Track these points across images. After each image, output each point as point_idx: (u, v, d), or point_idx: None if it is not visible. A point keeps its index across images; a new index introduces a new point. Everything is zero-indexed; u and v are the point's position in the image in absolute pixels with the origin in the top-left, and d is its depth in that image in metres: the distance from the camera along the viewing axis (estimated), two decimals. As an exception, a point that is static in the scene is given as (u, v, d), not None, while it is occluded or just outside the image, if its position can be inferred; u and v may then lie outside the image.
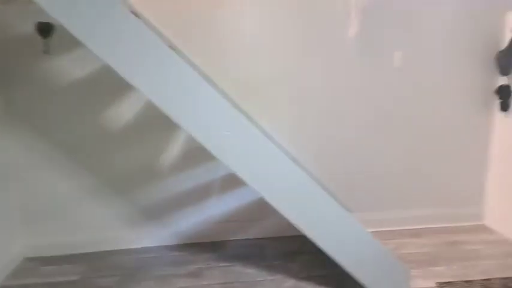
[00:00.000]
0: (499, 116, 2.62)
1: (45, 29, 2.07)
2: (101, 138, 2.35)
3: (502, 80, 2.54)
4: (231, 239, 2.60)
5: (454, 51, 2.53)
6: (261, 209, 2.15)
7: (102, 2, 1.51)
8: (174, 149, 2.42)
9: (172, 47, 2.11)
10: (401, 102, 2.57)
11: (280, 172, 1.74)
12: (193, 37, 2.29)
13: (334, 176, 2.61)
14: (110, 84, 2.16)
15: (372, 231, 2.69)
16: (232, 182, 2.28)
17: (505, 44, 2.48)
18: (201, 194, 2.50)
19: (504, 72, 2.48)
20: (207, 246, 2.54)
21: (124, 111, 2.32)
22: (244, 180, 1.69)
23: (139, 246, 2.52)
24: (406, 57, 2.49)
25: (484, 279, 2.11)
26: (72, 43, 1.58)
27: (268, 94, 2.44)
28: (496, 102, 2.60)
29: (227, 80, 2.34)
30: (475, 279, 2.12)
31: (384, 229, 2.74)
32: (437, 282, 2.10)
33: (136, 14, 1.88)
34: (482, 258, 2.36)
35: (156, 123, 2.25)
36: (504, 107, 2.54)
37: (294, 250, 2.45)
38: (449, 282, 2.10)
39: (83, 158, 2.37)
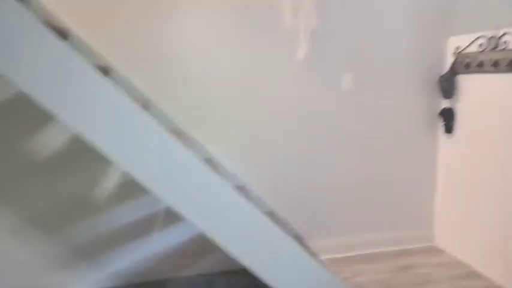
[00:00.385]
0: (443, 138, 2.68)
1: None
2: (22, 168, 2.06)
3: (445, 103, 2.61)
4: (177, 276, 2.38)
5: (400, 74, 2.56)
6: (209, 242, 1.96)
7: (18, 22, 1.30)
8: (111, 179, 2.18)
9: (107, 67, 1.92)
10: (350, 125, 2.54)
11: (221, 204, 1.58)
12: (129, 55, 2.11)
13: (285, 202, 2.50)
14: (33, 108, 1.90)
15: (327, 259, 2.64)
16: (176, 213, 2.07)
17: (447, 68, 2.56)
18: (142, 228, 2.26)
19: (446, 95, 2.55)
20: (150, 286, 2.29)
21: (50, 138, 2.06)
22: (183, 215, 1.52)
23: (72, 291, 2.22)
24: (354, 80, 2.47)
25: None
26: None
27: (215, 115, 2.30)
28: (440, 125, 2.66)
29: (173, 101, 2.18)
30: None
31: (339, 255, 2.67)
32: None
33: (64, 33, 1.68)
34: (436, 282, 2.34)
35: (89, 151, 2.00)
36: (448, 129, 2.60)
37: (245, 285, 2.27)
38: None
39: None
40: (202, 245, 2.30)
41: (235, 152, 2.37)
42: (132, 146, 1.44)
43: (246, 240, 1.64)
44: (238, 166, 2.36)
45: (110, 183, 2.16)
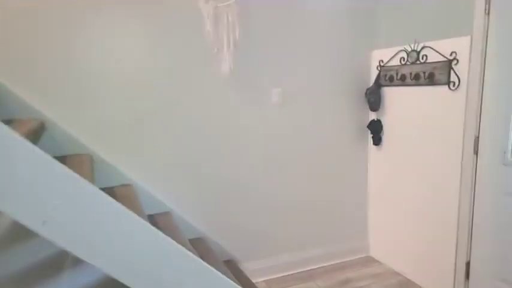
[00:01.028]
0: (372, 150, 2.71)
1: None
2: None
3: (373, 115, 2.65)
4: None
5: (330, 87, 2.54)
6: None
7: None
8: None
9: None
10: (281, 141, 2.45)
11: (130, 241, 1.35)
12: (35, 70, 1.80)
13: (218, 225, 2.33)
14: None
15: (266, 280, 2.51)
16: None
17: (372, 81, 2.60)
18: (48, 269, 1.92)
19: (373, 107, 2.59)
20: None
21: None
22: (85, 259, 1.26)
23: None
24: (284, 94, 2.40)
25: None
26: None
27: (137, 136, 2.06)
28: (369, 137, 2.69)
29: (85, 121, 1.90)
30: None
31: (277, 275, 2.55)
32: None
33: None
34: (373, 296, 2.32)
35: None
36: (376, 141, 2.63)
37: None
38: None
39: None
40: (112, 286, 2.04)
41: (160, 174, 2.14)
42: (15, 178, 1.16)
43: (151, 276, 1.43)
44: (163, 190, 2.14)
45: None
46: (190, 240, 2.19)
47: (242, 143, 2.34)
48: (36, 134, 1.71)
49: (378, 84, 2.56)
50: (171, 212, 2.14)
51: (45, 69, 1.81)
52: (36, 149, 1.16)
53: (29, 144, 1.14)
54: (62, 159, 1.78)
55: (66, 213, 1.21)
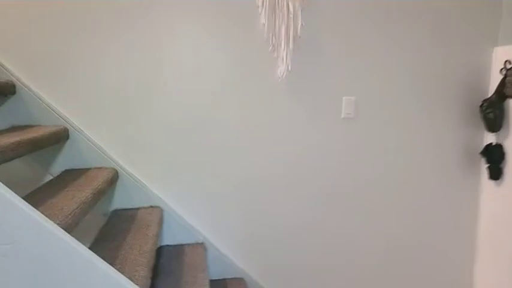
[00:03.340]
0: (488, 185, 1.95)
1: None
2: None
3: (490, 138, 1.90)
4: None
5: (424, 98, 1.89)
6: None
7: None
8: None
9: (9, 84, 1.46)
10: (354, 166, 1.89)
11: None
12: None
13: (263, 262, 1.89)
14: None
15: None
16: None
17: (492, 90, 1.87)
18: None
19: (492, 127, 1.84)
20: None
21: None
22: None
23: None
24: (358, 105, 1.84)
25: None
26: None
27: (170, 149, 1.75)
28: (484, 168, 1.94)
29: (112, 132, 1.67)
30: None
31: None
32: None
33: None
34: None
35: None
36: (494, 174, 1.87)
37: None
38: None
39: None
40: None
41: (195, 197, 1.79)
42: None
43: None
44: (197, 215, 1.79)
45: None
46: (226, 280, 1.80)
47: (300, 168, 1.85)
48: (59, 141, 1.52)
49: (501, 95, 1.81)
50: (204, 243, 1.78)
51: (74, 76, 1.63)
52: None
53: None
54: (82, 172, 1.57)
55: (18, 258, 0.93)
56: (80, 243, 0.93)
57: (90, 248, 1.28)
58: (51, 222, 0.90)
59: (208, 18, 1.68)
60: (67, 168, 1.63)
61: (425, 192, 1.96)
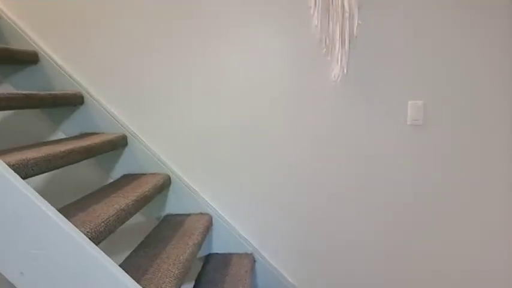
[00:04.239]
0: None
1: None
2: None
3: None
4: None
5: (509, 100, 1.58)
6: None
7: None
8: None
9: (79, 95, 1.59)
10: (424, 180, 1.66)
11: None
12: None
13: (316, 280, 1.77)
14: None
15: None
16: None
17: None
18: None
19: None
20: None
21: None
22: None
23: None
24: (428, 109, 1.61)
25: None
26: None
27: (224, 156, 1.74)
28: None
29: (167, 137, 1.73)
30: None
31: None
32: None
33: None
34: None
35: None
36: None
37: None
38: None
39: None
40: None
41: (247, 206, 1.76)
42: None
43: None
44: (248, 225, 1.75)
45: None
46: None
47: (360, 179, 1.69)
48: (115, 148, 1.62)
49: None
50: (253, 254, 1.73)
51: (136, 86, 1.72)
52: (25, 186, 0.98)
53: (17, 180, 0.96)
54: (135, 177, 1.65)
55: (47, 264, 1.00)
56: (104, 255, 0.95)
57: (131, 254, 1.34)
58: (79, 232, 0.94)
59: (258, 19, 1.64)
60: (125, 173, 1.73)
61: (506, 211, 1.64)
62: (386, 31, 1.58)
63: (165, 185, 1.64)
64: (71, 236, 0.93)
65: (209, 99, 1.69)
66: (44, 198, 0.93)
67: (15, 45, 1.66)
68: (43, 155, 1.11)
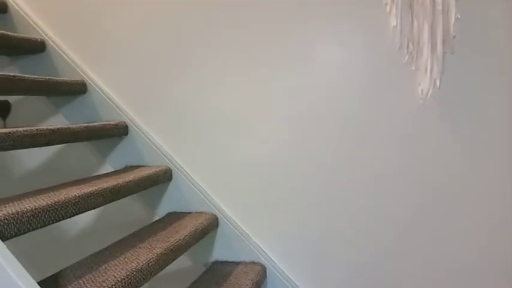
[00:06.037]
0: None
1: (4, 108, 1.75)
2: None
3: None
4: None
5: None
6: None
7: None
8: None
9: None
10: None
11: None
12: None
13: None
14: None
15: None
16: None
17: None
18: None
19: None
20: None
21: None
22: None
23: None
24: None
25: None
26: None
27: (282, 198, 1.44)
28: None
29: (214, 173, 1.50)
30: None
31: None
32: None
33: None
34: None
35: None
36: None
37: None
38: None
39: None
40: None
41: (305, 258, 1.41)
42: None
43: None
44: (306, 279, 1.40)
45: None
46: None
47: (459, 216, 1.24)
48: (158, 183, 1.44)
49: None
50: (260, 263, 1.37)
51: (181, 117, 1.53)
52: None
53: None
54: (178, 217, 1.43)
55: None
56: None
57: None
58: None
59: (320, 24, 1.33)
60: (170, 210, 1.53)
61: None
62: (497, 23, 1.15)
63: (209, 227, 1.39)
64: None
65: (268, 128, 1.42)
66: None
67: (63, 76, 1.61)
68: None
